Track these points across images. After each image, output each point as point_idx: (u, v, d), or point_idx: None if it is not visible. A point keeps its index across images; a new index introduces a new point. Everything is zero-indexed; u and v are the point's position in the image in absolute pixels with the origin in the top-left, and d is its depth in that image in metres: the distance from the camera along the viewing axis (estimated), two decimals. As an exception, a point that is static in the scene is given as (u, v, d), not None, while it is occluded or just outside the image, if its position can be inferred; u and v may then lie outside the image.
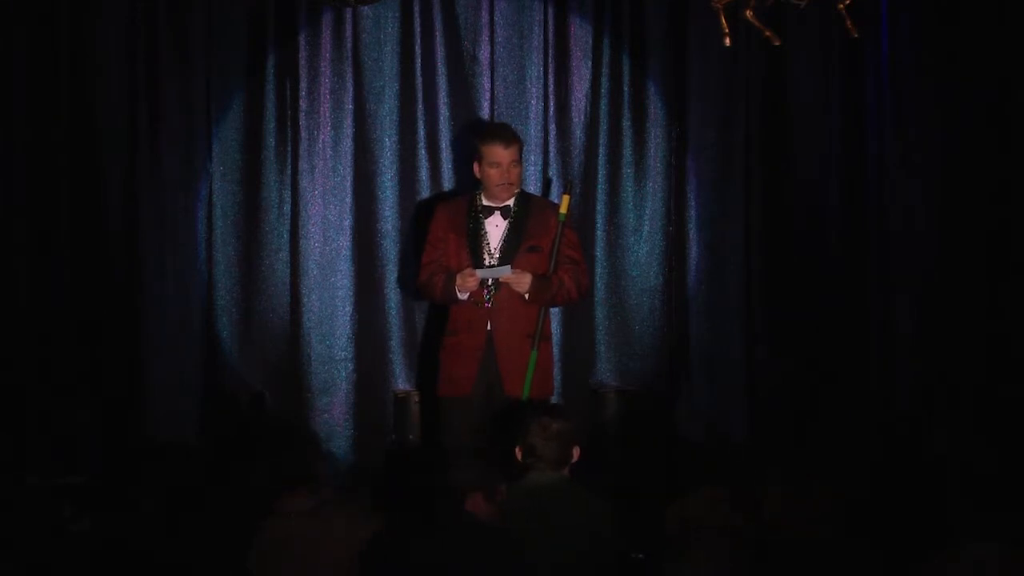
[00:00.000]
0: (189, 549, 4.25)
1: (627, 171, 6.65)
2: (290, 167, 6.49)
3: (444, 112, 6.55)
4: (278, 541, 4.16)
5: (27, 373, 6.24)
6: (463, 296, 5.33)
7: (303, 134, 6.47)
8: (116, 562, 4.30)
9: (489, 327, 5.35)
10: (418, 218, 6.38)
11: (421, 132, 6.54)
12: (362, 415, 6.50)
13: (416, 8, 6.50)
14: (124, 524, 4.50)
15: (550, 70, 6.56)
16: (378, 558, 3.93)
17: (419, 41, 6.50)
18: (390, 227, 6.56)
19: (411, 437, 6.44)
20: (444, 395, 5.46)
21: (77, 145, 6.31)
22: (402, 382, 6.58)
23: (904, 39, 6.55)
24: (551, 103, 6.57)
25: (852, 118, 6.63)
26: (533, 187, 6.44)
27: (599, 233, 6.62)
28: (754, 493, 4.26)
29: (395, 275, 6.56)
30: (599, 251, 6.61)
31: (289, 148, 6.48)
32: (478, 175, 5.42)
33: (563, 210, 5.42)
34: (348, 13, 6.46)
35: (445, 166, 6.57)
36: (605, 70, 6.59)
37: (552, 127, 6.58)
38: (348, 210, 6.52)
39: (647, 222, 6.66)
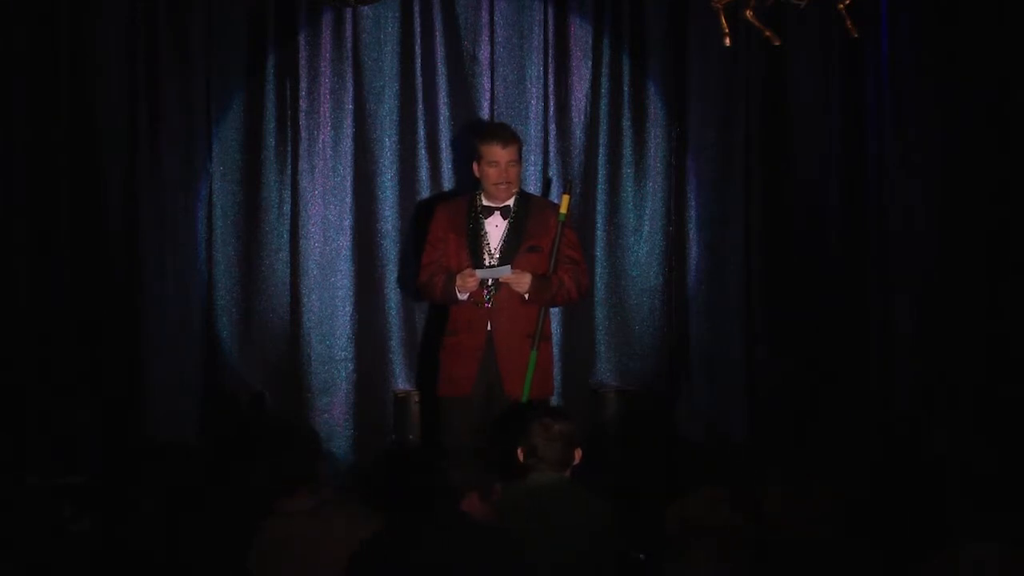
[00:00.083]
0: (189, 549, 4.25)
1: (627, 171, 6.65)
2: (290, 167, 6.49)
3: (444, 112, 6.55)
4: (278, 541, 4.15)
5: (27, 373, 6.24)
6: (463, 296, 5.33)
7: (303, 134, 6.47)
8: (116, 562, 4.31)
9: (489, 327, 5.35)
10: (418, 218, 6.38)
11: (421, 132, 6.54)
12: (362, 415, 6.51)
13: (416, 8, 6.50)
14: (124, 524, 4.50)
15: (550, 70, 6.57)
16: (378, 558, 3.93)
17: (419, 41, 6.50)
18: (390, 227, 6.56)
19: (411, 437, 6.44)
20: (444, 395, 5.46)
21: (77, 145, 6.31)
22: (402, 382, 6.58)
23: (904, 39, 6.55)
24: (551, 103, 6.57)
25: (852, 118, 6.63)
26: (533, 187, 6.44)
27: (599, 233, 6.62)
28: (754, 493, 4.25)
29: (395, 275, 6.56)
30: (599, 251, 6.61)
31: (289, 148, 6.48)
32: (477, 175, 5.42)
33: (563, 210, 5.42)
34: (348, 13, 6.46)
35: (445, 166, 6.57)
36: (605, 70, 6.59)
37: (552, 127, 6.58)
38: (348, 210, 6.52)
39: (647, 222, 6.66)
